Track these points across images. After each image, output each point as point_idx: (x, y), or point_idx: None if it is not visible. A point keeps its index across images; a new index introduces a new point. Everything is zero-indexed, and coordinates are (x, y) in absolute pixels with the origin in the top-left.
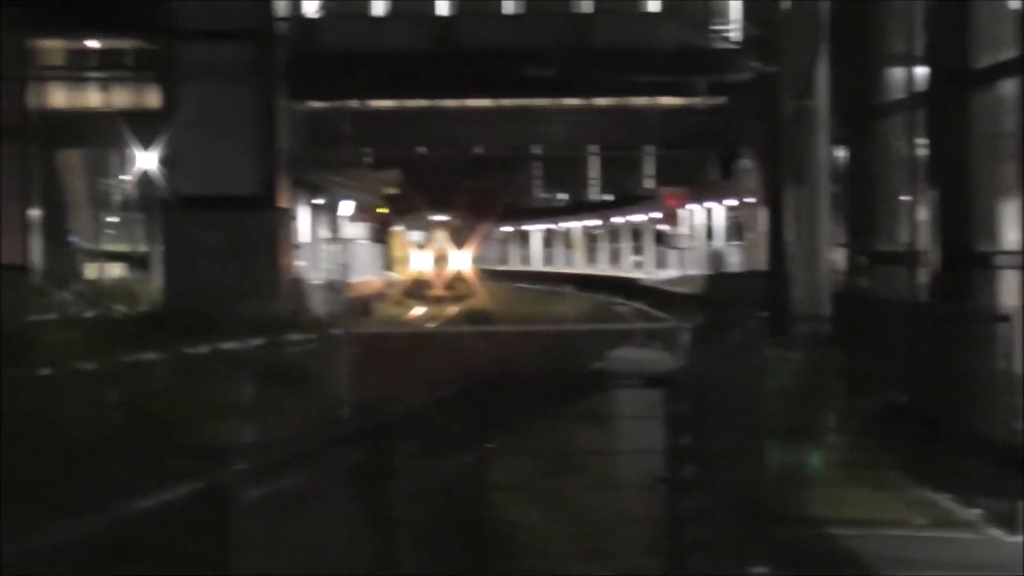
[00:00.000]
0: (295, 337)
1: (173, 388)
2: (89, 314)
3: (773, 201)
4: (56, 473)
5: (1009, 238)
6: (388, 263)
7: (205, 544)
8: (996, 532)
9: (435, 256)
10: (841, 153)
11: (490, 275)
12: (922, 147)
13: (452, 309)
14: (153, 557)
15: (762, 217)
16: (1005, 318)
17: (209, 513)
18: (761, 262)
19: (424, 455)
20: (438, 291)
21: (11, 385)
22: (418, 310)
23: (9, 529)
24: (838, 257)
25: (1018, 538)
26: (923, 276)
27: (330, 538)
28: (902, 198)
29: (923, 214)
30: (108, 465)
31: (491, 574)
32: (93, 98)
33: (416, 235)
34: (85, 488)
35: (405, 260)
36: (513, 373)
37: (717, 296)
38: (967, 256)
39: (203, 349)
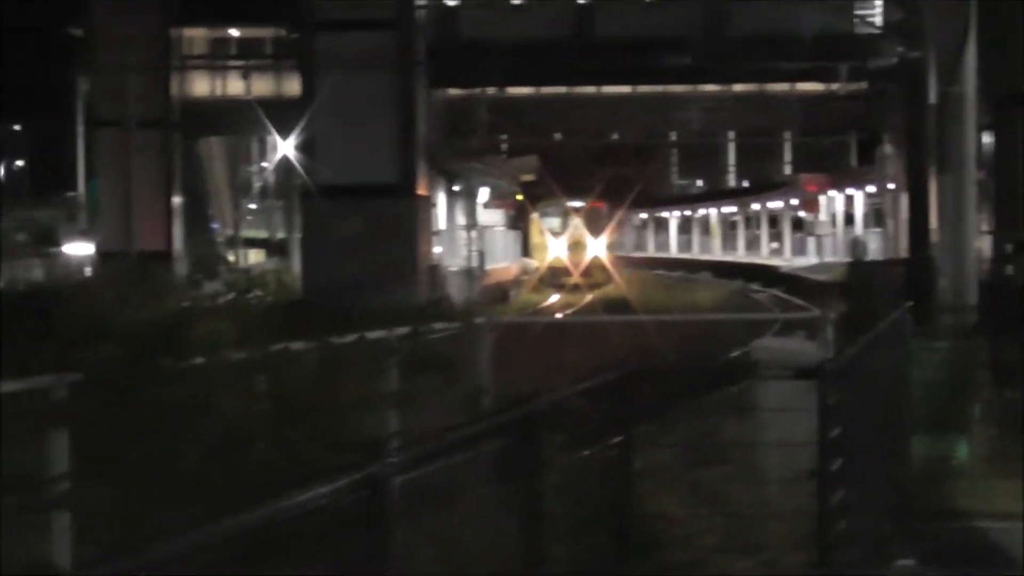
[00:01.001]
0: (438, 326)
1: (323, 378)
2: (238, 302)
3: (916, 188)
4: (213, 466)
5: None
6: (524, 250)
7: (361, 536)
8: None
9: (571, 243)
10: (988, 140)
11: (626, 262)
12: None
13: (589, 296)
14: (309, 551)
15: (904, 204)
16: None
17: (364, 505)
18: (903, 250)
19: (570, 446)
20: (575, 278)
21: (165, 376)
22: (554, 297)
23: (167, 525)
24: (985, 245)
25: None
26: None
27: (479, 529)
28: None
29: None
30: (263, 457)
31: (636, 566)
32: (234, 86)
33: (552, 222)
34: (241, 481)
35: (541, 247)
36: (657, 362)
37: (859, 284)
38: None
39: (350, 338)
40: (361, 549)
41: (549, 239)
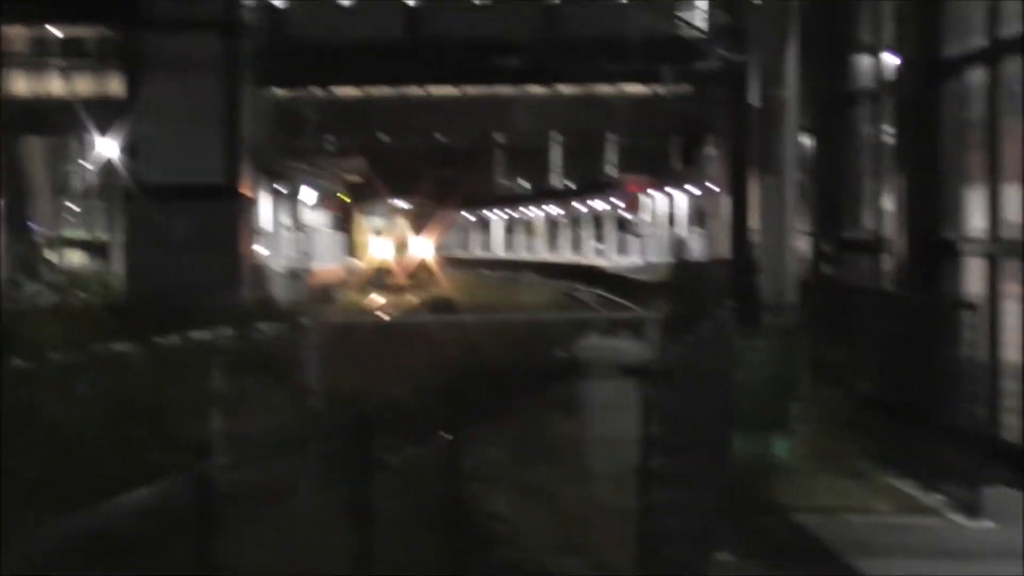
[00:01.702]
0: (264, 327)
1: (149, 380)
2: (61, 304)
3: (738, 189)
4: (40, 468)
5: (975, 226)
6: (351, 251)
7: (189, 537)
8: (959, 518)
9: (396, 244)
10: (809, 142)
11: (452, 262)
12: (890, 135)
13: (413, 298)
14: (138, 551)
15: (726, 205)
16: (971, 306)
17: (192, 505)
18: (725, 250)
19: (400, 446)
20: (400, 279)
21: None
22: (380, 299)
23: None
24: (805, 245)
25: (979, 523)
26: (890, 264)
27: (310, 529)
28: (869, 186)
29: (890, 202)
30: (90, 458)
31: (466, 565)
32: (56, 86)
33: (377, 222)
34: (69, 482)
35: (366, 247)
36: (485, 363)
37: (682, 284)
38: (934, 244)
39: (175, 340)
40: (190, 548)
41: (373, 240)
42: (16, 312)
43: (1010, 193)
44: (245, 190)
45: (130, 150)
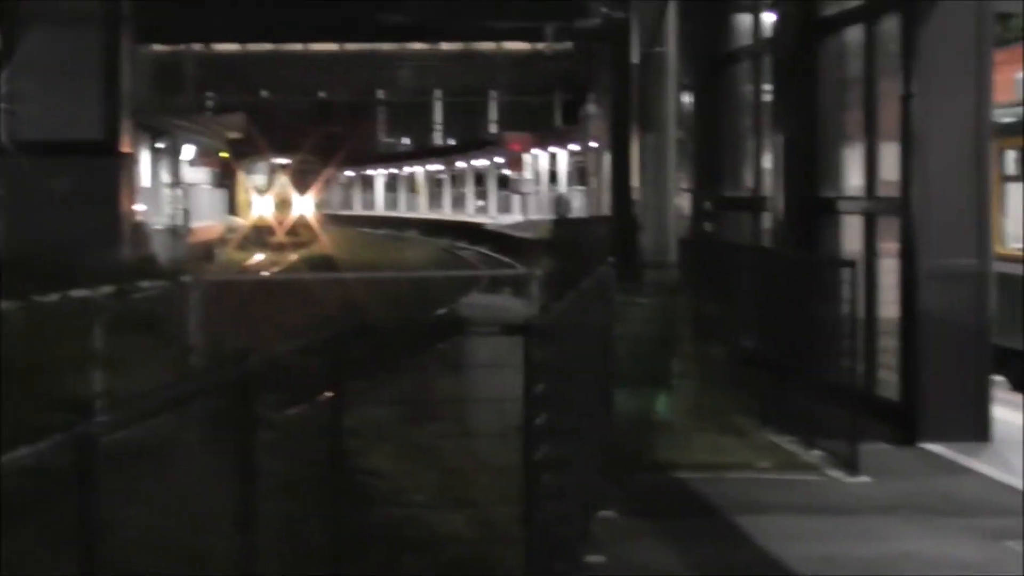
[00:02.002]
0: (145, 284)
1: (28, 338)
2: None
3: (619, 147)
4: None
5: (853, 184)
6: (231, 208)
7: (69, 497)
8: (837, 474)
9: (277, 201)
10: (689, 100)
11: (333, 220)
12: (769, 94)
13: (294, 256)
14: (15, 512)
15: (607, 163)
16: (849, 263)
17: (71, 465)
18: (606, 208)
19: (282, 404)
20: (281, 237)
21: None
22: (261, 256)
23: None
24: (685, 203)
25: (857, 479)
26: (770, 222)
27: (192, 488)
28: (749, 145)
29: (769, 161)
30: None
31: (350, 523)
32: None
33: (258, 179)
34: None
35: (247, 205)
36: (367, 320)
37: (563, 242)
38: (812, 202)
39: (54, 298)
40: (70, 510)
41: (254, 197)
42: None
43: (887, 152)
44: (124, 147)
45: (6, 106)
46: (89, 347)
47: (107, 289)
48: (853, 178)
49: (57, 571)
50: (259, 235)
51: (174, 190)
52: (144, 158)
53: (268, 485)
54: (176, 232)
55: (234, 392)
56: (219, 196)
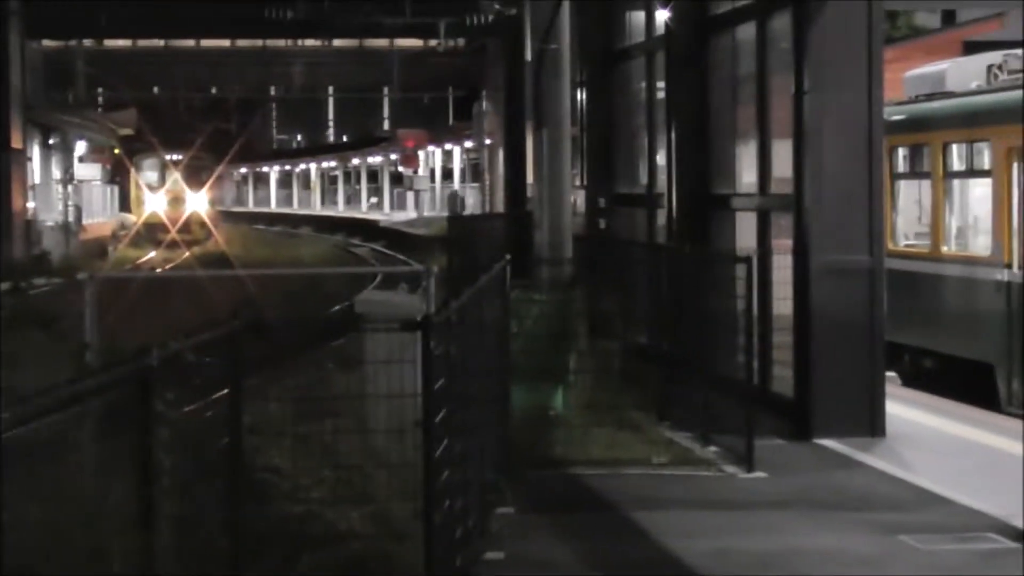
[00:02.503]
0: (38, 281)
1: None
2: None
3: (512, 144)
4: None
5: (746, 181)
6: (124, 205)
7: None
8: (733, 469)
9: (170, 198)
10: (583, 97)
11: (227, 217)
12: (663, 91)
13: (187, 253)
14: None
15: (501, 160)
16: (744, 259)
17: None
18: (500, 205)
19: (179, 401)
20: (173, 234)
21: None
22: (153, 253)
23: None
24: (579, 200)
25: (753, 475)
26: (663, 219)
27: (90, 483)
28: (643, 142)
29: (663, 157)
30: None
31: (247, 519)
32: None
33: (150, 176)
34: None
35: (140, 202)
36: (263, 317)
37: (458, 238)
38: (706, 199)
39: None
40: None
41: (146, 194)
42: None
43: (780, 149)
44: (15, 143)
45: None
46: None
47: (1, 286)
48: (747, 175)
49: None
50: (152, 232)
51: (66, 187)
52: (35, 154)
53: (166, 482)
54: (68, 229)
55: (133, 388)
56: (111, 193)
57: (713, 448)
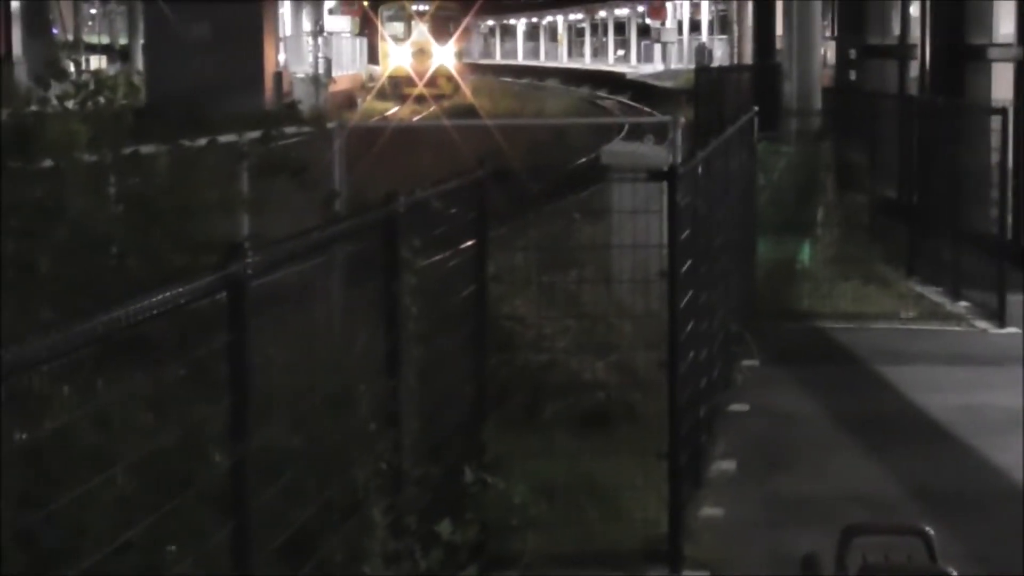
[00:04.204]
0: (289, 130)
1: (176, 181)
2: (87, 105)
3: None
4: (66, 267)
5: (1003, 31)
6: (372, 57)
7: (220, 338)
8: (984, 324)
9: (415, 51)
10: None
11: (474, 69)
12: None
13: (435, 107)
14: (169, 349)
15: (749, 10)
16: (999, 111)
17: (224, 305)
18: (748, 56)
19: (425, 247)
20: (420, 87)
21: (13, 177)
22: (402, 106)
23: (19, 328)
24: (829, 51)
25: (1004, 330)
26: (915, 70)
27: (338, 332)
28: None
29: (916, 8)
30: (119, 259)
31: (491, 366)
32: None
33: (396, 27)
34: (96, 283)
35: (385, 55)
36: (509, 166)
37: (705, 90)
38: (960, 49)
39: (200, 142)
40: (221, 351)
41: (391, 46)
42: (43, 112)
43: None
44: None
45: None
46: (235, 192)
47: (252, 135)
48: (1004, 25)
49: (205, 413)
50: (395, 87)
51: (316, 39)
52: (286, 7)
53: (413, 327)
54: (318, 81)
55: (380, 235)
56: (360, 45)
57: (963, 303)
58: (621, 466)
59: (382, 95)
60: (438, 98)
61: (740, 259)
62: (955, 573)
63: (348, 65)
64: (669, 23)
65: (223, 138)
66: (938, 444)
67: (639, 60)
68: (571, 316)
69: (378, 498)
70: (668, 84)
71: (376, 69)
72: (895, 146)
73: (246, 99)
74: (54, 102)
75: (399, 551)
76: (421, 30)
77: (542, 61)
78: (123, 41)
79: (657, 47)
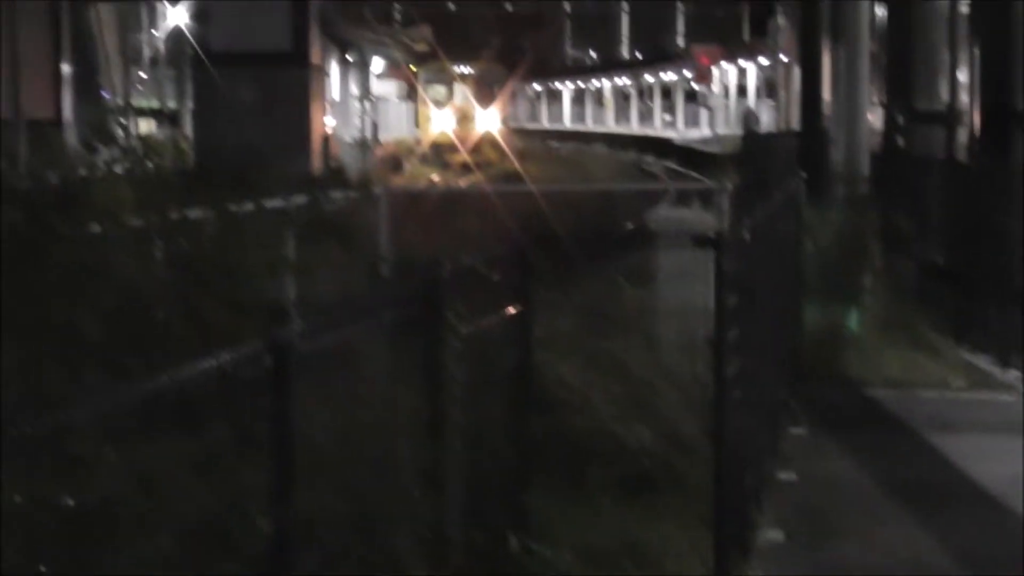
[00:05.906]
0: (336, 194)
1: (224, 245)
2: (135, 169)
3: (809, 59)
4: (111, 331)
5: None
6: (417, 122)
7: (265, 403)
8: None
9: (459, 115)
10: (881, 10)
11: (519, 134)
12: (964, 4)
13: (480, 170)
14: (216, 416)
15: (796, 76)
16: None
17: (269, 370)
18: (795, 122)
19: (471, 313)
20: (464, 152)
21: (61, 241)
22: (446, 171)
23: (62, 392)
24: (877, 117)
25: None
26: (963, 135)
27: (382, 397)
28: (944, 57)
29: (964, 73)
30: (165, 323)
31: (536, 430)
32: None
33: (437, 90)
34: (144, 347)
35: (427, 118)
36: (555, 232)
37: (752, 156)
38: (1008, 113)
39: (248, 206)
40: (265, 415)
41: (436, 111)
42: (91, 177)
43: None
44: (314, 58)
45: (199, 17)
46: (280, 255)
47: (299, 199)
48: None
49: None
50: (437, 154)
51: (363, 103)
52: (334, 70)
53: (449, 388)
54: (365, 144)
55: (425, 300)
56: (406, 109)
57: (1014, 372)
58: (667, 534)
59: (426, 159)
60: (483, 167)
61: (787, 325)
62: None
63: (396, 129)
64: (716, 88)
65: (270, 201)
66: (989, 514)
67: (686, 125)
68: (617, 381)
69: (422, 565)
70: (715, 149)
71: (422, 134)
72: (943, 211)
73: (294, 162)
74: (102, 167)
75: None
76: (466, 94)
77: (588, 126)
78: (172, 104)
79: (704, 112)
